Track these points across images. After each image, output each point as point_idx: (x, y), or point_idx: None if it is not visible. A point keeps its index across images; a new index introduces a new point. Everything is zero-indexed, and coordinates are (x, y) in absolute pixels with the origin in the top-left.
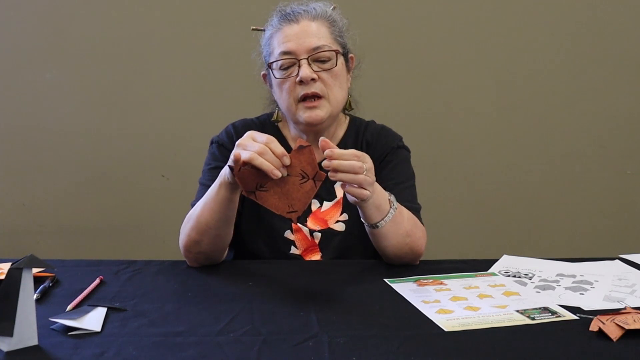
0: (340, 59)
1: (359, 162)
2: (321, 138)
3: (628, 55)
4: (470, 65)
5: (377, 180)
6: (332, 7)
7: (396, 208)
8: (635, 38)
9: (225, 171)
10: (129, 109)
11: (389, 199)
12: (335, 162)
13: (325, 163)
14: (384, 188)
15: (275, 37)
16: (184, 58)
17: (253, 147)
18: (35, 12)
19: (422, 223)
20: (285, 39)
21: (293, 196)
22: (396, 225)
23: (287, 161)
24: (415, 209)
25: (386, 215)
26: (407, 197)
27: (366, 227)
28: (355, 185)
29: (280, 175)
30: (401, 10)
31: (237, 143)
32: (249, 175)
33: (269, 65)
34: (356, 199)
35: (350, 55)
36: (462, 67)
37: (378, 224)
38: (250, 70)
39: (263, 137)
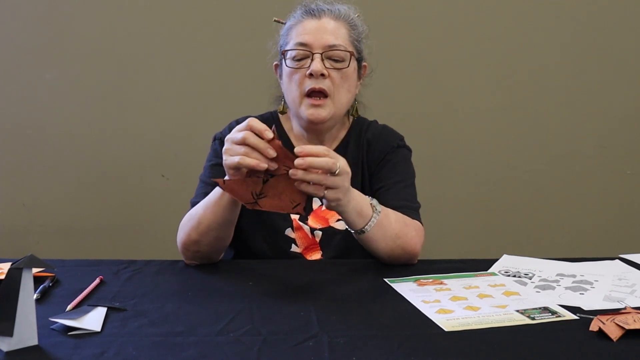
0: (354, 63)
1: (330, 159)
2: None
3: (628, 55)
4: (470, 65)
5: (376, 179)
6: (356, 14)
7: (380, 212)
8: (635, 38)
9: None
10: (129, 109)
11: (371, 204)
12: (309, 159)
13: (297, 161)
14: (382, 187)
15: (294, 29)
16: (184, 58)
17: (238, 150)
18: (35, 12)
19: (420, 222)
20: (304, 31)
21: (291, 190)
22: (383, 228)
23: (269, 135)
24: (413, 208)
25: (370, 220)
26: (405, 196)
27: (353, 233)
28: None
29: (265, 166)
30: (402, 11)
31: (222, 151)
32: (238, 186)
33: (283, 54)
34: (329, 204)
35: (364, 63)
36: (462, 68)
37: (363, 230)
38: (251, 71)
39: (241, 126)
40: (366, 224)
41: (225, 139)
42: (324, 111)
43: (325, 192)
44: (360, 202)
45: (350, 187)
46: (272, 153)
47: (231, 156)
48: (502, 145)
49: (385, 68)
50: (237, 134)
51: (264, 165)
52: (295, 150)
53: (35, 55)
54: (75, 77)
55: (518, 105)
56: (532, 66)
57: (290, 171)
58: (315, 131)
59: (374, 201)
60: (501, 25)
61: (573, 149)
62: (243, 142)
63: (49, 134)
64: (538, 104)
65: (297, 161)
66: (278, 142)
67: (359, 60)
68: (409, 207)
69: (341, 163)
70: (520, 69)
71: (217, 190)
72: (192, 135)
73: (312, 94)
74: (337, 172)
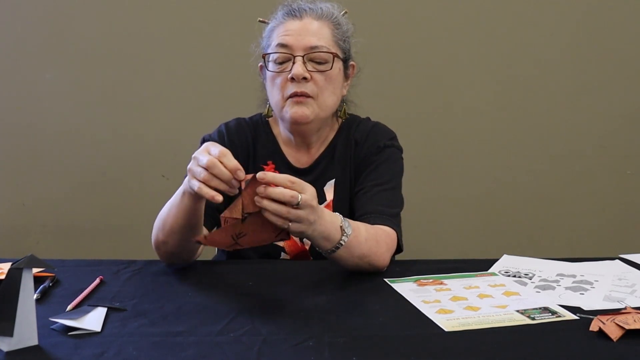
0: (338, 64)
1: (291, 191)
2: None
3: (628, 55)
4: (471, 65)
5: (359, 181)
6: (342, 12)
7: (349, 234)
8: (635, 38)
9: (187, 181)
10: (129, 109)
11: (341, 226)
12: (269, 190)
13: (259, 189)
14: (361, 190)
15: (276, 30)
16: (184, 58)
17: (199, 176)
18: (35, 12)
19: (395, 228)
20: (285, 33)
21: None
22: (350, 249)
23: (241, 175)
24: (390, 214)
25: (337, 243)
26: (384, 200)
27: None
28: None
29: (221, 199)
30: (401, 10)
31: (188, 167)
32: (219, 235)
33: (264, 57)
34: (293, 234)
35: (351, 62)
36: (463, 67)
37: (329, 251)
38: (250, 71)
39: (215, 150)
40: (333, 247)
41: (193, 155)
42: (307, 109)
43: (290, 224)
44: (329, 227)
45: (320, 212)
46: (236, 184)
47: (192, 179)
48: (502, 145)
49: (386, 67)
50: (203, 157)
51: (219, 198)
52: (257, 175)
53: (35, 55)
54: (75, 77)
55: (518, 105)
56: (532, 66)
57: (256, 198)
58: (301, 133)
59: (345, 222)
60: (500, 24)
61: (573, 149)
62: (207, 168)
63: (49, 134)
64: (538, 104)
65: (258, 189)
66: (252, 182)
67: (345, 60)
68: (385, 212)
69: (305, 196)
70: (520, 69)
71: (178, 192)
72: (192, 136)
73: (295, 96)
74: (299, 205)
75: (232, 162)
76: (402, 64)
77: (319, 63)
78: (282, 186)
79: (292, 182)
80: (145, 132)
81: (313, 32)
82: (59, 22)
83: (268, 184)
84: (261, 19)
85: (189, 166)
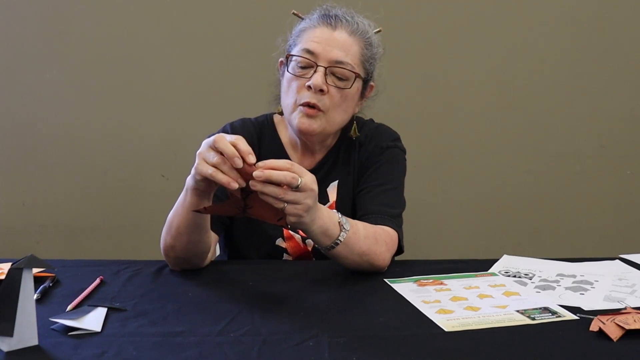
0: (358, 84)
1: (292, 173)
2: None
3: (628, 55)
4: (470, 65)
5: (361, 181)
6: (376, 30)
7: (348, 230)
8: (635, 38)
9: (190, 178)
10: (129, 109)
11: (340, 222)
12: (267, 172)
13: (256, 173)
14: (363, 190)
15: (306, 33)
16: (184, 59)
17: (211, 159)
18: (35, 12)
19: (396, 228)
20: (314, 39)
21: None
22: (349, 247)
23: (252, 159)
24: (391, 215)
25: (336, 239)
26: (386, 200)
27: (319, 248)
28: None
29: (237, 186)
30: (403, 10)
31: (197, 152)
32: (220, 207)
33: (287, 57)
34: (289, 219)
35: (370, 83)
36: (462, 68)
37: (329, 248)
38: (250, 71)
39: (231, 137)
40: (332, 242)
41: (203, 142)
42: (315, 123)
43: (286, 206)
44: (327, 222)
45: (318, 205)
46: (239, 163)
47: (205, 163)
48: (502, 146)
49: (386, 67)
50: (219, 141)
51: (234, 184)
52: (258, 163)
53: (35, 55)
54: (75, 77)
55: (518, 105)
56: (532, 66)
57: (250, 182)
58: (306, 139)
59: (343, 219)
60: (501, 25)
61: (573, 149)
62: (218, 150)
63: (49, 134)
64: (538, 104)
65: (255, 173)
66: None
67: (366, 81)
68: (386, 212)
69: (305, 179)
70: (521, 69)
71: (183, 192)
72: (192, 136)
73: (307, 106)
74: (298, 188)
75: (246, 146)
76: (402, 64)
77: (340, 79)
78: (282, 169)
79: (292, 165)
80: (145, 132)
81: (342, 46)
82: (59, 22)
83: (267, 169)
84: (295, 12)
85: (198, 151)
